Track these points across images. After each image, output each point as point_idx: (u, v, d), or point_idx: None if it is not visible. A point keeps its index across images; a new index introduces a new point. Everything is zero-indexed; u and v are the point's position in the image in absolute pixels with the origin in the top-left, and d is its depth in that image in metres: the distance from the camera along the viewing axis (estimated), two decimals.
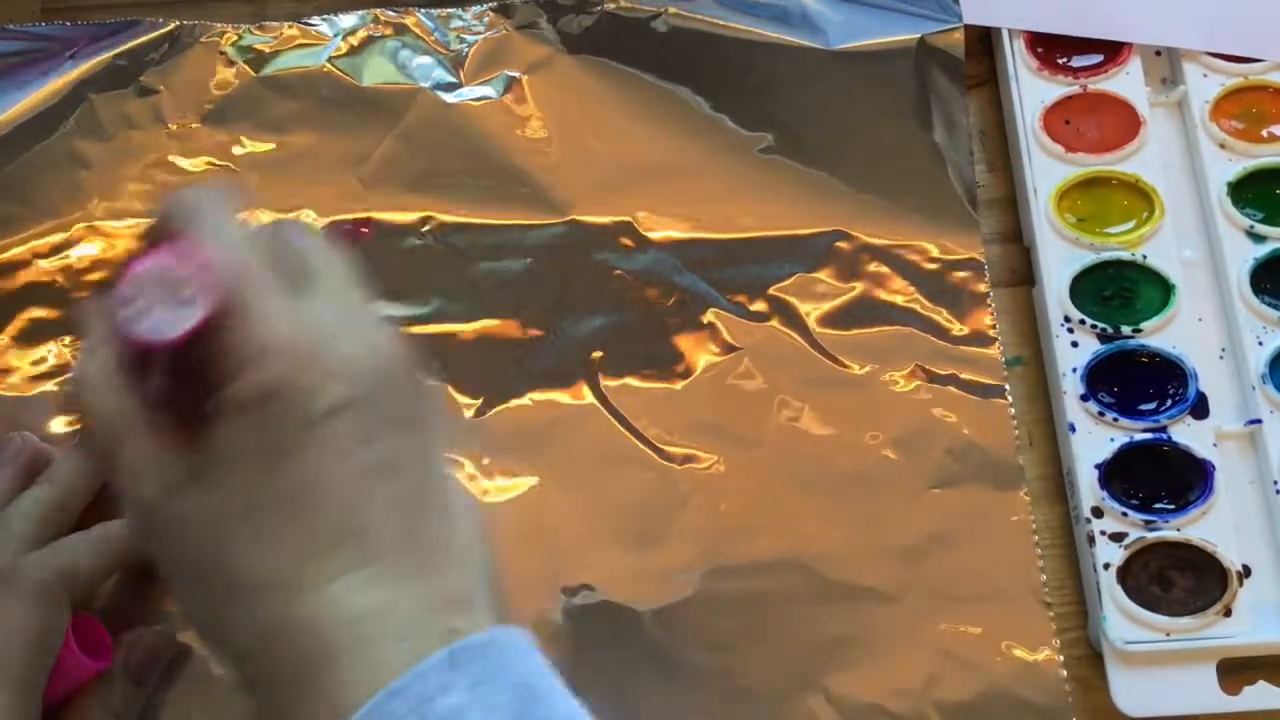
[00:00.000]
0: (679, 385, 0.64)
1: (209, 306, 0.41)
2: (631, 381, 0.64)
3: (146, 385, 0.43)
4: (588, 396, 0.64)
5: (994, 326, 0.65)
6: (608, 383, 0.64)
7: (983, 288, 0.66)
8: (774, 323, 0.65)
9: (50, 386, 0.64)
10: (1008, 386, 0.64)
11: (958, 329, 0.65)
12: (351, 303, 0.44)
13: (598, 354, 0.65)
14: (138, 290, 0.41)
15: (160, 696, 0.59)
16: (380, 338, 0.44)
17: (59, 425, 0.63)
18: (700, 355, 0.64)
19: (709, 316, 0.65)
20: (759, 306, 0.65)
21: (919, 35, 0.69)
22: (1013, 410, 0.63)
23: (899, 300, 0.65)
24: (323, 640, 0.40)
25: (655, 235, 0.67)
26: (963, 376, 0.64)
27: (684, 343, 0.65)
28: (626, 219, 0.67)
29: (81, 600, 0.55)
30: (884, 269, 0.66)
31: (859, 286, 0.66)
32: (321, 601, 0.41)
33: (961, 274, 0.66)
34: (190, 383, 0.42)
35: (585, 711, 0.41)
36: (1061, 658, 0.58)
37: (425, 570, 0.42)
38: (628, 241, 0.67)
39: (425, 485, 0.43)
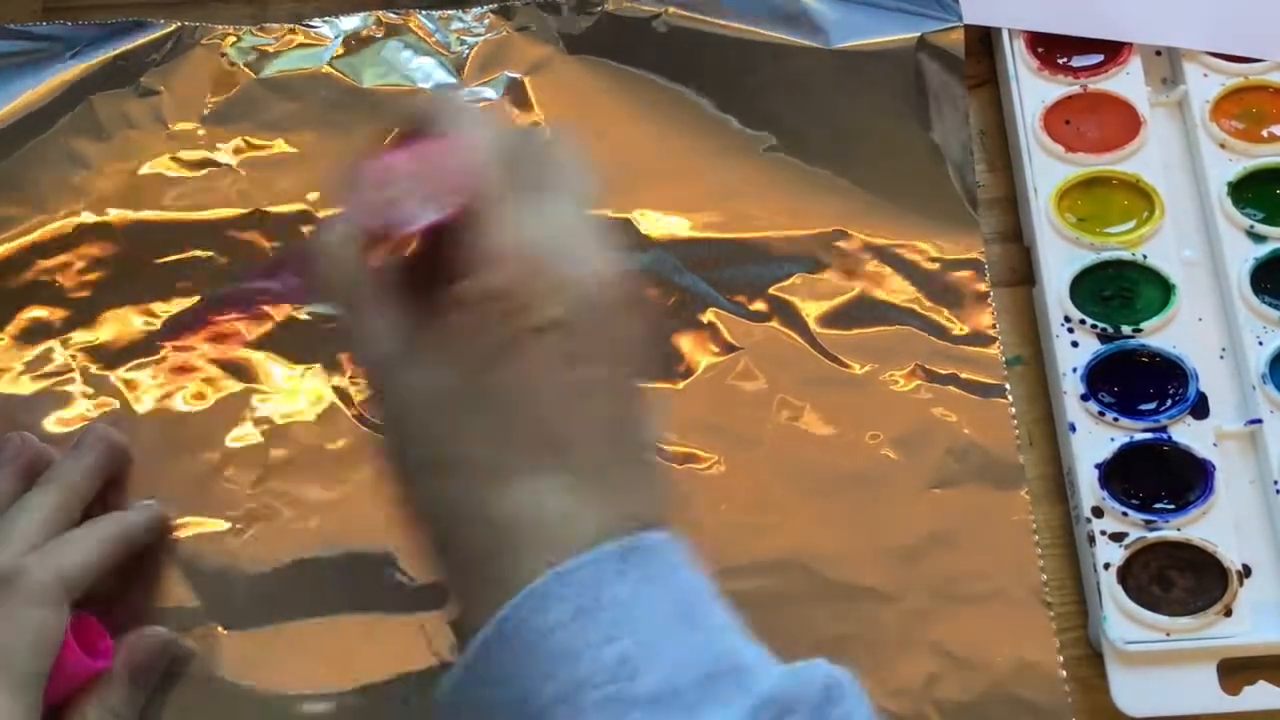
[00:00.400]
0: (679, 385, 0.64)
1: (451, 207, 0.44)
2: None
3: (381, 264, 0.46)
4: None
5: (994, 326, 0.65)
6: None
7: (983, 287, 0.66)
8: (774, 322, 0.65)
9: (50, 386, 0.64)
10: (1008, 386, 0.64)
11: (958, 329, 0.65)
12: (583, 225, 0.45)
13: None
14: (387, 179, 0.44)
15: (161, 698, 0.59)
16: (602, 264, 0.45)
17: (59, 425, 0.63)
18: (700, 355, 0.64)
19: (709, 316, 0.65)
20: (759, 306, 0.65)
21: (919, 34, 0.69)
22: (1013, 410, 0.63)
23: (899, 300, 0.65)
24: (509, 532, 0.42)
25: (655, 235, 0.67)
26: (963, 376, 0.64)
27: (684, 342, 0.65)
28: (626, 218, 0.67)
29: (81, 599, 0.55)
30: (884, 269, 0.66)
31: (859, 286, 0.66)
32: (515, 497, 0.42)
33: (962, 274, 0.66)
34: (422, 271, 0.45)
35: (738, 627, 0.43)
36: (1061, 658, 0.58)
37: (615, 490, 0.43)
38: (628, 241, 0.67)
39: (625, 413, 0.45)
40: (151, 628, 0.58)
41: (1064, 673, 0.58)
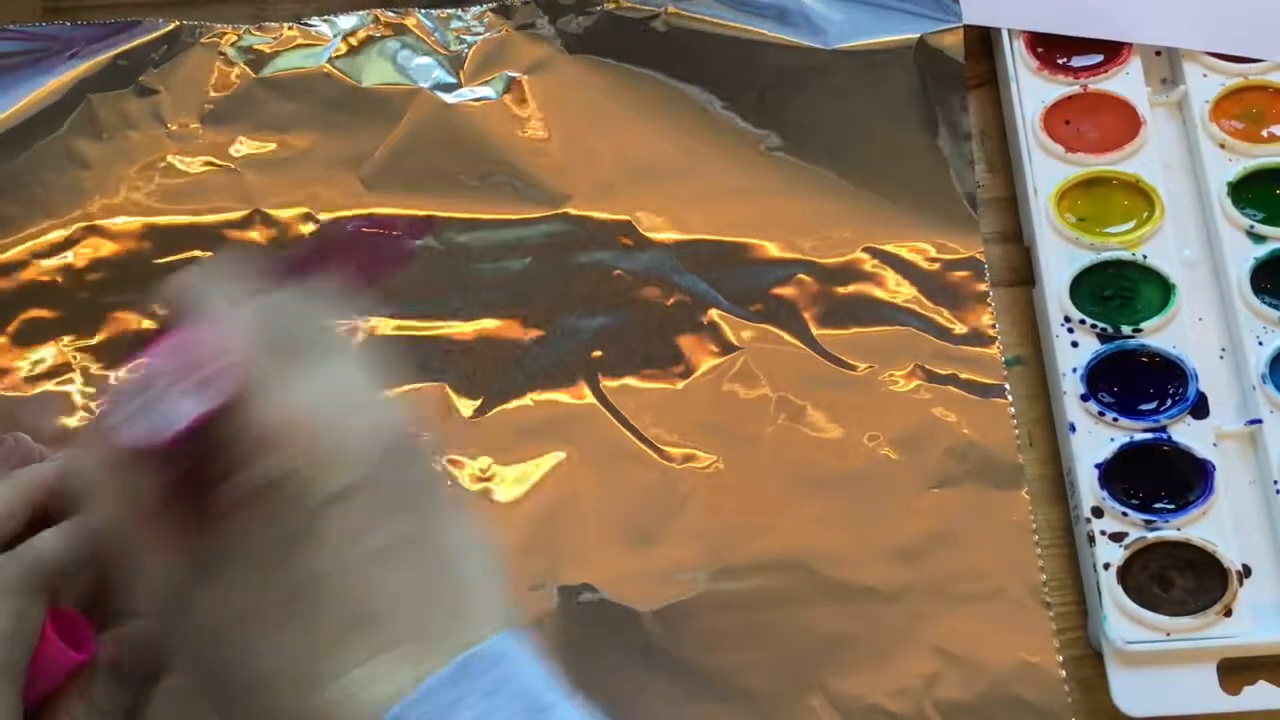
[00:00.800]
0: (679, 385, 0.64)
1: (218, 397, 0.40)
2: (631, 381, 0.64)
3: (146, 484, 0.42)
4: (588, 396, 0.64)
5: (994, 326, 0.65)
6: (608, 383, 0.64)
7: (982, 287, 0.66)
8: (774, 322, 0.65)
9: (49, 386, 0.64)
10: (1008, 386, 0.64)
11: (958, 328, 0.65)
12: (355, 380, 0.43)
13: (598, 354, 0.65)
14: (144, 382, 0.41)
15: (146, 693, 0.59)
16: (385, 416, 0.43)
17: (58, 425, 0.63)
18: (700, 355, 0.64)
19: (709, 316, 0.65)
20: (759, 306, 0.65)
21: (919, 35, 0.69)
22: (1012, 410, 0.63)
23: (899, 300, 0.65)
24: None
25: (655, 235, 0.67)
26: (963, 376, 0.64)
27: (684, 342, 0.65)
28: (626, 219, 0.67)
29: (60, 593, 0.55)
30: (884, 269, 0.66)
31: (859, 286, 0.66)
32: (342, 691, 0.40)
33: (961, 273, 0.66)
34: (191, 479, 0.41)
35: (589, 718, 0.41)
36: (1061, 658, 0.58)
37: (439, 635, 0.41)
38: (628, 241, 0.67)
39: (438, 559, 0.42)
40: (136, 623, 0.58)
41: (1063, 673, 0.58)
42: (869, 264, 0.66)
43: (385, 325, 0.65)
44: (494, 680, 0.40)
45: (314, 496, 0.40)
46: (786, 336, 0.65)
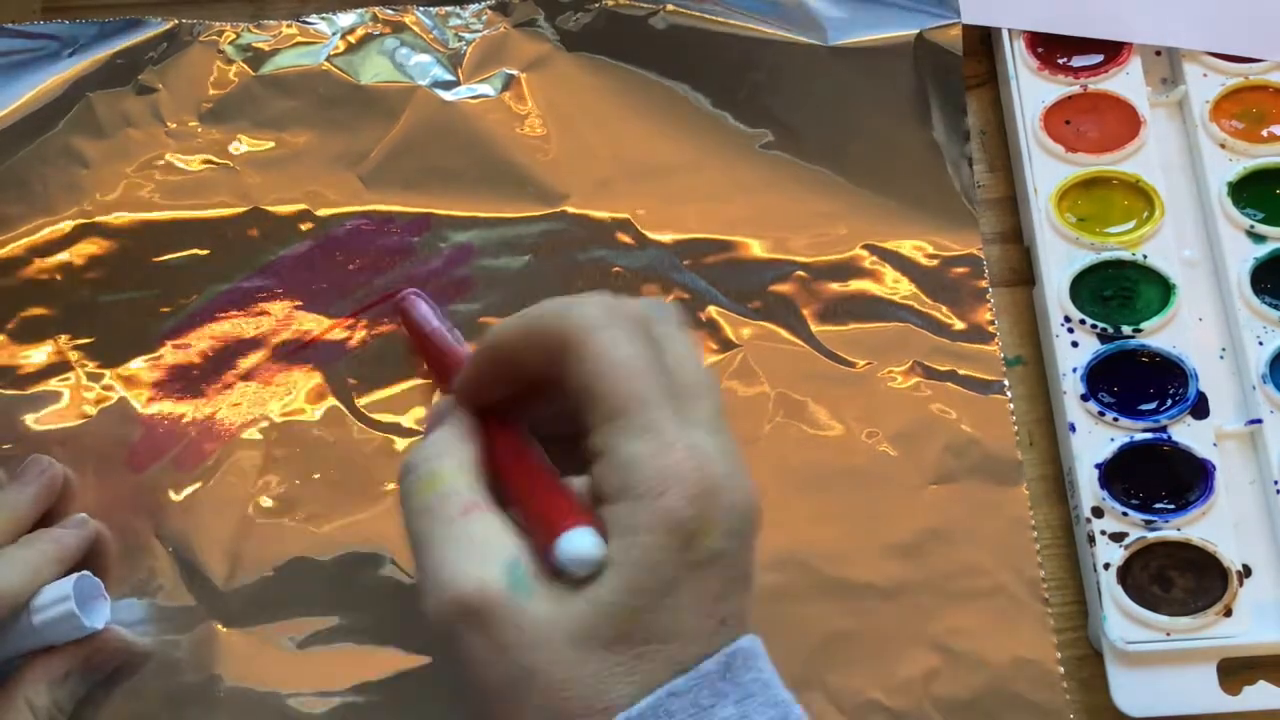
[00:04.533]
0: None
1: None
2: None
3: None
4: None
5: (993, 322, 0.65)
6: None
7: (981, 283, 0.66)
8: (773, 320, 0.65)
9: (48, 384, 0.64)
10: (1006, 382, 0.63)
11: (957, 325, 0.65)
12: (729, 440, 0.43)
13: None
14: None
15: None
16: (750, 486, 0.43)
17: (57, 424, 0.63)
18: (699, 352, 0.64)
19: (708, 314, 0.65)
20: (757, 304, 0.65)
21: (917, 31, 0.69)
22: (1012, 407, 0.63)
23: (897, 297, 0.65)
24: None
25: (654, 233, 0.67)
26: (962, 372, 0.64)
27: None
28: (625, 216, 0.67)
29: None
30: (882, 265, 0.66)
31: (857, 283, 0.66)
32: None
33: (960, 270, 0.66)
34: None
35: None
36: (1059, 654, 0.58)
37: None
38: (626, 239, 0.67)
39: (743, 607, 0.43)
40: (115, 629, 0.58)
41: (1061, 669, 0.58)
42: (867, 261, 0.66)
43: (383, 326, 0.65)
44: (752, 682, 0.41)
45: (690, 553, 0.40)
46: (785, 334, 0.65)
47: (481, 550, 0.42)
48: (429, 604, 0.42)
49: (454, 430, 0.47)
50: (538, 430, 0.47)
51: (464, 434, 0.46)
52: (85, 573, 0.57)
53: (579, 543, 0.41)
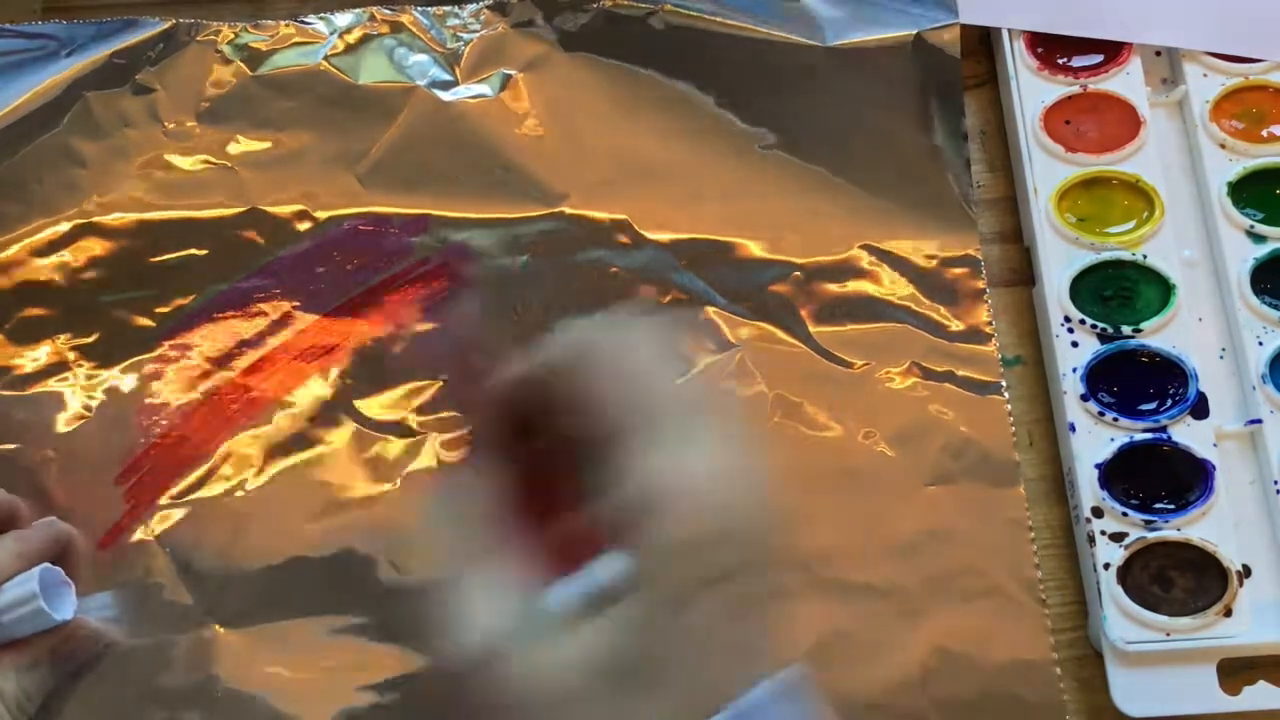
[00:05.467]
0: (676, 383, 0.64)
1: None
2: None
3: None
4: None
5: (990, 323, 0.65)
6: None
7: (979, 284, 0.66)
8: (770, 320, 0.65)
9: (46, 385, 0.64)
10: (1004, 383, 0.63)
11: (954, 326, 0.65)
12: (737, 449, 0.43)
13: None
14: None
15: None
16: (763, 501, 0.42)
17: (56, 423, 0.63)
18: (697, 353, 0.64)
19: (705, 314, 0.65)
20: (755, 304, 0.65)
21: (915, 32, 0.69)
22: (1010, 407, 0.63)
23: (895, 297, 0.65)
24: None
25: (652, 233, 0.67)
26: (959, 373, 0.64)
27: (681, 340, 0.64)
28: (623, 217, 0.67)
29: None
30: (880, 266, 0.66)
31: (855, 283, 0.66)
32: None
33: (958, 271, 0.66)
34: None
35: None
36: (1056, 654, 0.58)
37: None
38: (624, 239, 0.67)
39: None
40: (85, 620, 0.58)
41: (1059, 669, 0.58)
42: (865, 261, 0.66)
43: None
44: (796, 713, 0.41)
45: (696, 571, 0.40)
46: (783, 334, 0.65)
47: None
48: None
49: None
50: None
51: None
52: (47, 564, 0.57)
53: (610, 567, 0.40)
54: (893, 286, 0.66)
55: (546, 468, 0.45)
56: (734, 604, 0.41)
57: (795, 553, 0.60)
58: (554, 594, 0.40)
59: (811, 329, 0.65)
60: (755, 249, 0.66)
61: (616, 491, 0.41)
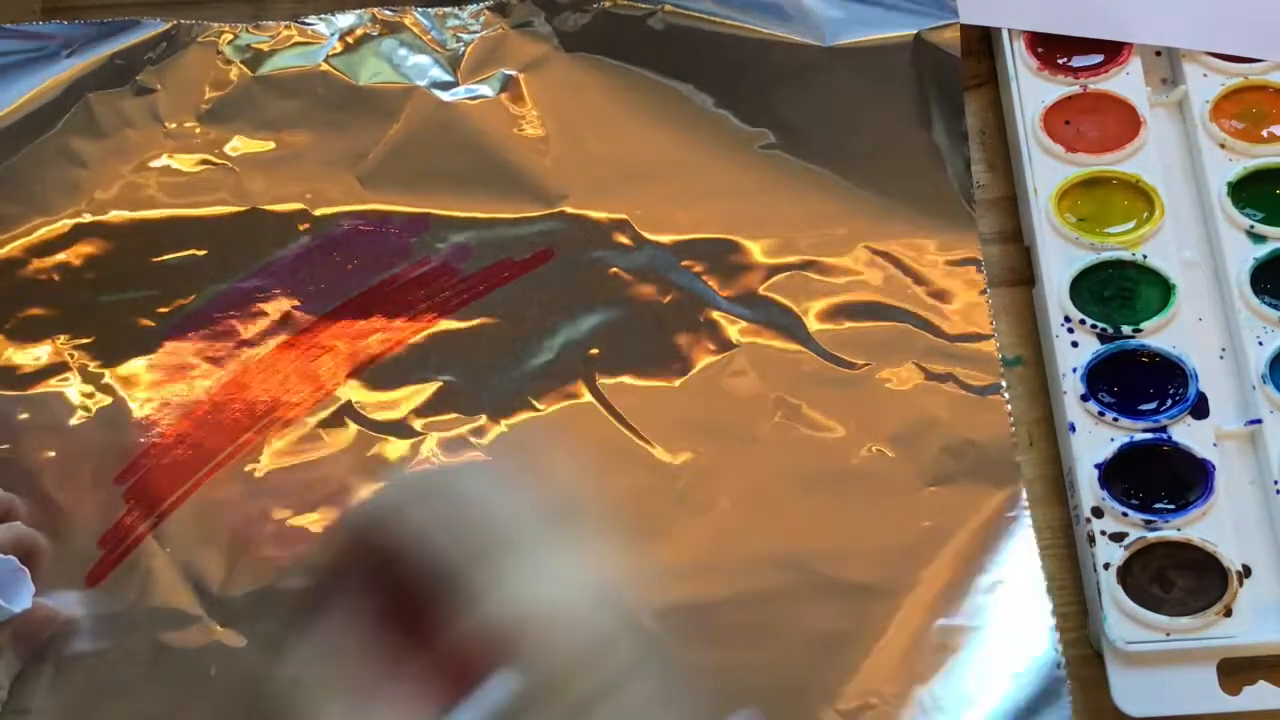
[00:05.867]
0: (676, 383, 0.64)
1: None
2: (628, 379, 0.64)
3: None
4: (585, 395, 0.64)
5: (991, 324, 0.65)
6: (605, 381, 0.64)
7: (980, 284, 0.65)
8: (770, 321, 0.65)
9: (47, 385, 0.64)
10: (1004, 384, 0.63)
11: (954, 326, 0.65)
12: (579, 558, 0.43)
13: (595, 352, 0.64)
14: None
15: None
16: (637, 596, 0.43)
17: (55, 423, 0.63)
18: (697, 353, 0.64)
19: (706, 314, 0.65)
20: (755, 304, 0.65)
21: (915, 31, 0.69)
22: (1010, 408, 0.63)
23: (895, 297, 0.65)
24: None
25: (652, 234, 0.67)
26: (959, 374, 0.64)
27: (681, 341, 0.65)
28: (623, 216, 0.67)
29: None
30: (880, 266, 0.66)
31: (855, 283, 0.66)
32: None
33: (958, 271, 0.66)
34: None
35: None
36: (1059, 653, 0.58)
37: None
38: (625, 239, 0.67)
39: None
40: (41, 601, 0.58)
41: (1063, 671, 0.58)
42: (865, 261, 0.66)
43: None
44: None
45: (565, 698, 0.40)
46: (783, 335, 0.65)
47: None
48: None
49: None
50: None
51: None
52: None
53: (503, 688, 0.40)
54: (893, 286, 0.65)
55: (413, 597, 0.45)
56: (636, 711, 0.41)
57: (795, 553, 0.60)
58: None
59: (811, 329, 0.65)
60: (755, 249, 0.66)
61: (486, 613, 0.41)
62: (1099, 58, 0.69)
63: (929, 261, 0.66)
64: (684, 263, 0.66)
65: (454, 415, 0.63)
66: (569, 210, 0.67)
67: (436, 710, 0.41)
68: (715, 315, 0.65)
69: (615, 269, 0.66)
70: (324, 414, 0.63)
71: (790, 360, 0.64)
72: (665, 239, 0.67)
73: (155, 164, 0.69)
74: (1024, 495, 0.61)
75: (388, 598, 0.45)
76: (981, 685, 0.58)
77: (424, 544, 0.43)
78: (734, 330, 0.65)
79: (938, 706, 0.57)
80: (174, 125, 0.69)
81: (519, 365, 0.64)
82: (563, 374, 0.64)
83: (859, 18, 0.70)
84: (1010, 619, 0.59)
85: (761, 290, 0.66)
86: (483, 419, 0.63)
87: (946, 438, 0.62)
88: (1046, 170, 0.66)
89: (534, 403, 0.64)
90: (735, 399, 0.63)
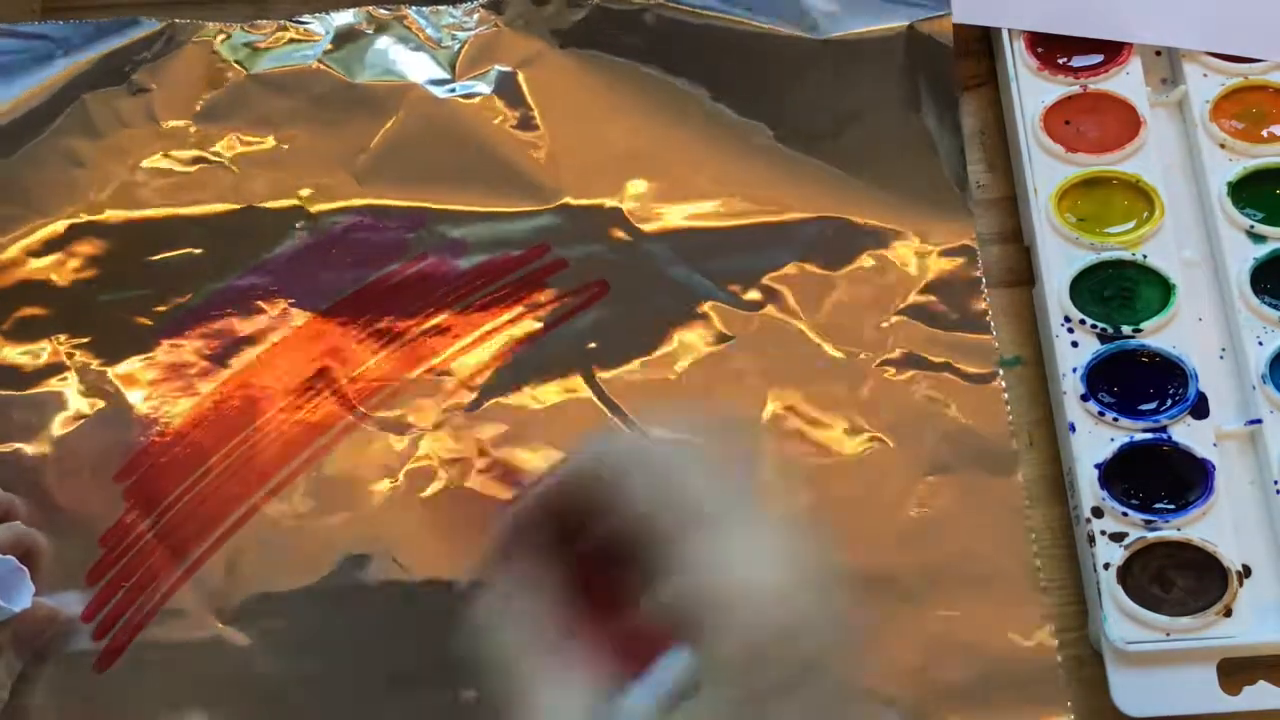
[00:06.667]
0: (674, 375, 0.64)
1: None
2: (626, 373, 0.64)
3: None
4: (583, 388, 0.64)
5: (987, 313, 0.65)
6: (603, 374, 0.64)
7: (976, 274, 0.66)
8: (768, 312, 0.65)
9: (45, 384, 0.64)
10: (1001, 372, 0.63)
11: (951, 315, 0.65)
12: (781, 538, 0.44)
13: (592, 345, 0.64)
14: None
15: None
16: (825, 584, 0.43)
17: (54, 423, 0.64)
18: (695, 345, 0.64)
19: (703, 307, 0.65)
20: (753, 296, 0.65)
21: (908, 23, 0.69)
22: (1007, 395, 0.63)
23: (892, 287, 0.65)
24: None
25: (648, 227, 0.67)
26: (957, 363, 0.64)
27: (679, 333, 0.65)
28: (620, 210, 0.67)
29: None
30: (877, 256, 0.66)
31: (852, 274, 0.66)
32: None
33: (954, 260, 0.66)
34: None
35: None
36: (1057, 642, 0.58)
37: None
38: (621, 233, 0.67)
39: None
40: (41, 601, 0.58)
41: (1058, 657, 0.58)
42: (862, 252, 0.66)
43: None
44: None
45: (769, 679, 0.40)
46: (781, 325, 0.65)
47: None
48: None
49: None
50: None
51: None
52: None
53: (675, 667, 0.40)
54: (889, 276, 0.66)
55: (598, 569, 0.46)
56: (810, 711, 0.41)
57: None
58: (628, 699, 0.41)
59: (809, 320, 0.65)
60: (752, 242, 0.66)
61: (674, 587, 0.41)
62: (1099, 58, 0.69)
63: (924, 251, 0.66)
64: (681, 256, 0.66)
65: None
66: (566, 204, 0.67)
67: (610, 681, 0.42)
68: (712, 308, 0.65)
69: (612, 263, 0.66)
70: (324, 412, 0.63)
71: (788, 351, 0.64)
72: (662, 232, 0.67)
73: (151, 163, 0.69)
74: (1021, 483, 0.61)
75: (588, 555, 0.46)
76: (981, 672, 0.58)
77: (635, 508, 0.43)
78: (731, 322, 0.65)
79: (936, 693, 0.57)
80: (170, 124, 0.69)
81: (516, 359, 0.65)
82: (560, 368, 0.64)
83: (852, 10, 0.70)
84: (1006, 606, 0.59)
85: (758, 281, 0.66)
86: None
87: (944, 427, 0.62)
88: (1046, 170, 0.66)
89: (531, 396, 0.64)
90: (733, 390, 0.64)
